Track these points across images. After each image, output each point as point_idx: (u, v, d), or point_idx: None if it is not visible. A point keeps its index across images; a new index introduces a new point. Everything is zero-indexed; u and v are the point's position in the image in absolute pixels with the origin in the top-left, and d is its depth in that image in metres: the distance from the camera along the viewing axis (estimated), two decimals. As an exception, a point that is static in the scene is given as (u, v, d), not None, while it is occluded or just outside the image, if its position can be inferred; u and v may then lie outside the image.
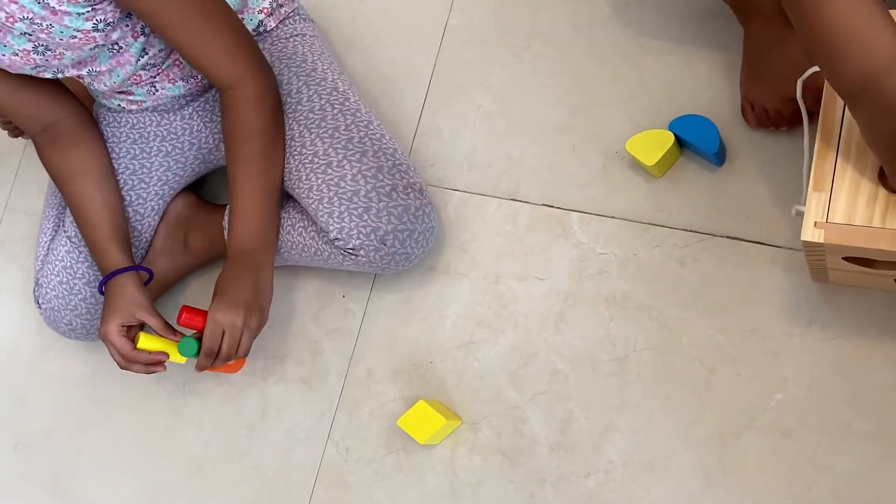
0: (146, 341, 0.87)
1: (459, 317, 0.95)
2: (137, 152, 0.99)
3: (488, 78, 0.99)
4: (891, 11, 0.56)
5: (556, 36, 0.96)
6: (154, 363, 0.89)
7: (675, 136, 0.84)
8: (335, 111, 0.92)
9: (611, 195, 0.90)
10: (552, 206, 0.93)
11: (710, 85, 0.86)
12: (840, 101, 0.62)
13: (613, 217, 0.89)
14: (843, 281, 0.75)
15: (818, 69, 0.58)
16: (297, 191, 0.92)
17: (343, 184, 0.87)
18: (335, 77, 0.96)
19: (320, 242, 0.91)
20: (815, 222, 0.61)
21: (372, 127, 0.92)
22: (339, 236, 0.87)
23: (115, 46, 0.86)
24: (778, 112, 0.79)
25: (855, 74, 0.53)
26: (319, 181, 0.89)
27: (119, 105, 0.97)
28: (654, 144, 0.84)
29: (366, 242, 0.87)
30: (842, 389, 0.76)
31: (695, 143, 0.82)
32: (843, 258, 0.65)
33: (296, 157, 0.91)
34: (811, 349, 0.78)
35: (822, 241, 0.61)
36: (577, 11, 0.95)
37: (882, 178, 0.59)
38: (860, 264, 0.66)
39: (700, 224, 0.85)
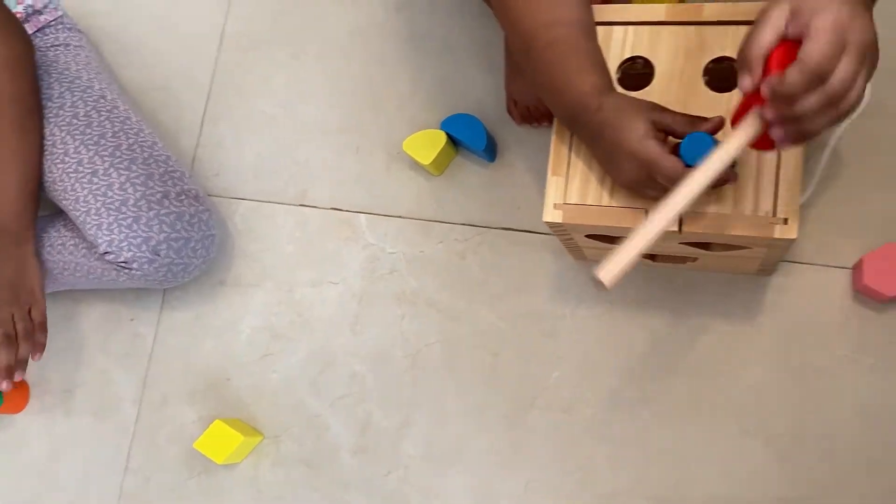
0: None
1: (254, 330, 0.95)
2: None
3: (269, 83, 1.00)
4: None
5: (334, 40, 0.99)
6: None
7: (448, 134, 0.88)
8: (101, 118, 0.89)
9: (396, 195, 0.93)
10: (340, 210, 0.95)
11: (480, 84, 0.92)
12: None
13: (399, 216, 0.93)
14: (598, 258, 0.83)
15: None
16: (63, 202, 0.88)
17: (111, 193, 0.85)
18: (102, 86, 0.93)
19: (92, 259, 0.88)
20: (554, 204, 0.67)
21: (143, 135, 0.90)
22: (110, 249, 0.84)
23: None
24: (538, 109, 0.86)
25: (564, 111, 0.65)
26: (85, 191, 0.85)
27: None
28: (428, 144, 0.88)
29: (138, 254, 0.84)
30: (609, 361, 0.83)
31: (464, 140, 0.88)
32: (586, 236, 0.71)
33: (59, 166, 0.87)
34: (581, 327, 0.85)
35: (560, 220, 0.67)
36: (352, 15, 0.98)
37: None
38: (604, 241, 0.73)
39: (477, 218, 0.90)
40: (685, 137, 0.59)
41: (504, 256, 0.88)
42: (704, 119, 0.61)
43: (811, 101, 0.49)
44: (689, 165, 0.58)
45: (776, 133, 0.52)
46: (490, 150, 0.89)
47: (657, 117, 0.61)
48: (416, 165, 0.93)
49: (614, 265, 0.51)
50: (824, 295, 0.78)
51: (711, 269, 0.80)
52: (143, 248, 0.84)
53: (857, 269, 0.77)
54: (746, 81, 0.51)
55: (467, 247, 0.90)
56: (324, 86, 0.98)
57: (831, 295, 0.78)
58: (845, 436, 0.76)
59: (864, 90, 0.50)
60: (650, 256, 0.79)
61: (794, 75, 0.48)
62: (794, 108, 0.50)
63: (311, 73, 0.99)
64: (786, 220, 0.61)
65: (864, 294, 0.77)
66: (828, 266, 0.79)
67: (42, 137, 0.88)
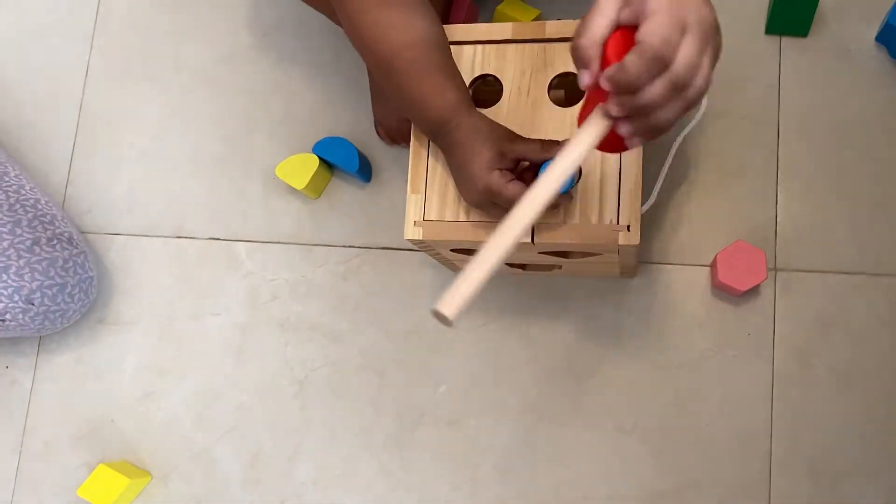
0: None
1: (136, 367, 0.93)
2: None
3: (138, 115, 0.99)
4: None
5: (202, 68, 0.98)
6: None
7: (320, 158, 0.89)
8: (-42, 165, 0.87)
9: (273, 221, 0.93)
10: (218, 239, 0.94)
11: (352, 106, 0.94)
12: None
13: (279, 242, 0.93)
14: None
15: None
16: (-79, 257, 0.84)
17: (-26, 244, 0.82)
18: (-42, 128, 0.91)
19: (-41, 311, 0.84)
20: (414, 221, 0.69)
21: (8, 178, 0.88)
22: (-22, 302, 0.82)
23: None
24: (402, 129, 0.88)
25: (426, 126, 0.67)
26: (-55, 243, 0.83)
27: None
28: (301, 168, 0.89)
29: (10, 305, 0.82)
30: (492, 372, 0.85)
31: (337, 163, 0.89)
32: (451, 250, 0.73)
33: None
34: (463, 339, 0.87)
35: (421, 238, 0.69)
36: (219, 42, 0.98)
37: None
38: (470, 254, 0.75)
39: (357, 239, 0.91)
40: (541, 168, 0.61)
41: (385, 275, 0.90)
42: (556, 143, 0.62)
43: (656, 89, 0.45)
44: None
45: (624, 129, 0.48)
46: (364, 172, 0.90)
47: (508, 147, 0.62)
48: (292, 190, 0.93)
49: (456, 297, 0.46)
50: (686, 292, 0.83)
51: (578, 274, 0.84)
52: (16, 297, 0.82)
53: (713, 266, 0.81)
54: (585, 77, 0.47)
55: (348, 268, 0.91)
56: (194, 115, 0.98)
57: (692, 292, 0.83)
58: (713, 426, 0.80)
59: (709, 76, 0.47)
60: (521, 266, 0.81)
61: (633, 61, 0.45)
62: (639, 99, 0.46)
63: (180, 104, 0.98)
64: (628, 227, 0.65)
65: (721, 290, 0.82)
66: (687, 265, 0.84)
67: None
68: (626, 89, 0.46)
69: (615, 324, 0.84)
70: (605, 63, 0.47)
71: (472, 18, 0.90)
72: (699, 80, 0.46)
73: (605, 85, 0.46)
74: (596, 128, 0.49)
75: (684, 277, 0.83)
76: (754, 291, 0.81)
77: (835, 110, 0.84)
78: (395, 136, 0.89)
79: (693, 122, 0.74)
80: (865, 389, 0.79)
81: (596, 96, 0.49)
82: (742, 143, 0.85)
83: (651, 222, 0.85)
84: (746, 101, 0.85)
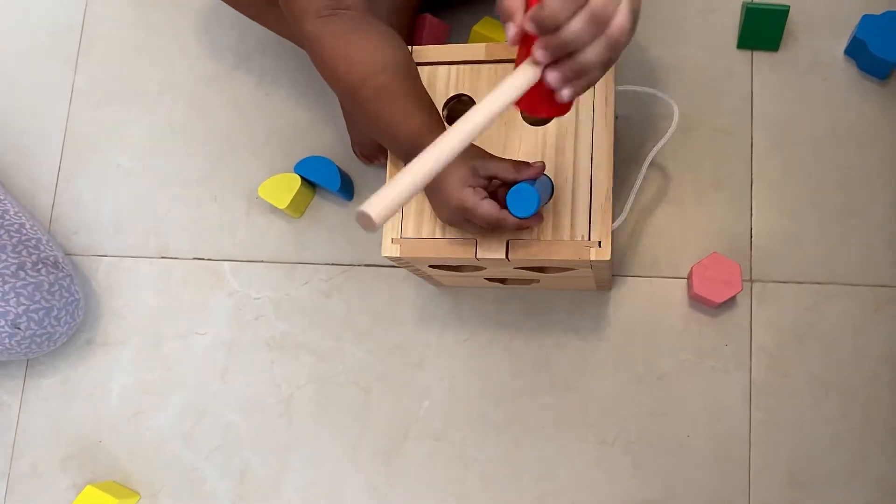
0: None
1: (124, 388, 0.95)
2: None
3: (123, 136, 1.01)
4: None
5: (185, 89, 1.01)
6: None
7: (302, 177, 0.92)
8: (-56, 191, 0.89)
9: (257, 240, 0.96)
10: (203, 259, 0.97)
11: (332, 126, 0.96)
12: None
13: (263, 261, 0.95)
14: (456, 284, 0.88)
15: None
16: None
17: (-41, 270, 0.85)
18: (-56, 154, 0.93)
19: (-55, 337, 0.87)
20: (392, 238, 0.72)
21: (-9, 203, 0.90)
22: (-36, 327, 0.84)
23: None
24: (376, 150, 0.90)
25: (398, 150, 0.69)
26: (-70, 270, 0.85)
27: None
28: (283, 188, 0.92)
29: None
30: (476, 386, 0.88)
31: (319, 182, 0.91)
32: (430, 266, 0.76)
33: None
34: (447, 354, 0.89)
35: (399, 255, 0.71)
36: (203, 64, 1.01)
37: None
38: (448, 269, 0.78)
39: (340, 257, 0.94)
40: (510, 190, 0.63)
41: (368, 292, 0.92)
42: (527, 164, 0.65)
43: (576, 23, 0.47)
44: (517, 216, 0.63)
45: (552, 77, 0.49)
46: (346, 190, 0.93)
47: (480, 165, 0.65)
48: (276, 210, 0.96)
49: (383, 199, 0.45)
50: (664, 304, 0.85)
51: (555, 288, 0.86)
52: (2, 322, 0.84)
53: (689, 278, 0.84)
54: (511, 30, 0.49)
55: (332, 286, 0.93)
56: (178, 136, 1.00)
57: (670, 304, 0.85)
58: (693, 435, 0.83)
59: (629, 14, 0.49)
60: (500, 280, 0.84)
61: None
62: (561, 37, 0.48)
63: (164, 124, 1.01)
64: (600, 243, 0.67)
65: (698, 301, 0.84)
66: (664, 277, 0.86)
67: None
68: (548, 27, 0.48)
69: (595, 336, 0.86)
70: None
71: (440, 36, 0.93)
72: (619, 19, 0.49)
73: (528, 27, 0.48)
74: (523, 73, 0.50)
75: (662, 290, 0.86)
76: (731, 303, 0.84)
77: (807, 122, 0.87)
78: (371, 155, 0.91)
79: (665, 138, 0.76)
80: (841, 397, 0.81)
81: (525, 53, 0.50)
82: (716, 155, 0.87)
83: (628, 235, 0.87)
84: (720, 114, 0.88)
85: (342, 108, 0.92)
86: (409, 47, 0.74)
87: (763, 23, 0.85)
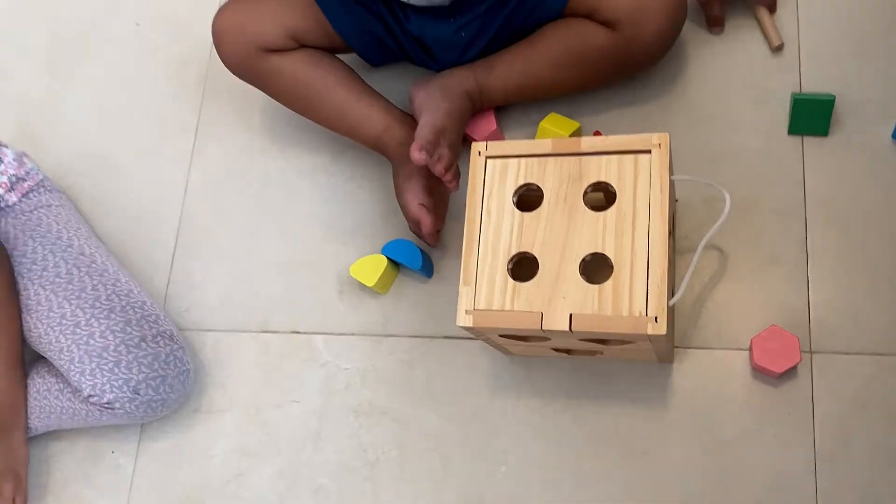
0: None
1: (226, 452, 1.07)
2: None
3: (231, 222, 1.17)
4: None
5: (286, 182, 1.17)
6: None
7: (388, 258, 1.05)
8: (81, 273, 1.06)
9: (348, 315, 1.08)
10: (299, 333, 1.10)
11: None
12: (477, 218, 0.85)
13: (352, 334, 1.08)
14: (526, 354, 0.97)
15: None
16: (48, 353, 1.03)
17: (92, 341, 1.00)
18: (81, 242, 1.11)
19: (77, 402, 1.02)
20: (465, 310, 0.82)
21: (119, 284, 1.06)
22: (93, 392, 0.98)
23: None
24: (419, 218, 1.02)
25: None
26: (69, 342, 1.00)
27: None
28: (372, 267, 1.05)
29: (119, 395, 0.99)
30: (549, 453, 0.96)
31: (403, 262, 1.04)
32: (500, 336, 0.86)
33: (43, 322, 1.03)
34: (521, 421, 0.98)
35: (472, 325, 0.82)
36: (301, 160, 1.17)
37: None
38: (519, 339, 0.87)
39: (421, 329, 1.05)
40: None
41: (447, 363, 1.03)
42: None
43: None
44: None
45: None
46: (427, 268, 1.05)
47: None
48: (364, 287, 1.08)
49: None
50: (726, 375, 0.92)
51: (619, 358, 0.94)
52: (125, 388, 0.99)
53: (750, 349, 0.91)
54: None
55: (414, 356, 1.04)
56: (279, 222, 1.15)
57: (732, 374, 0.92)
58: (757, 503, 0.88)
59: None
60: (566, 351, 0.93)
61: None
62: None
63: (267, 212, 1.16)
64: (656, 319, 0.76)
65: (759, 372, 0.91)
66: (726, 349, 0.93)
67: (20, 330, 1.04)
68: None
69: (661, 406, 0.93)
70: None
71: (489, 136, 1.06)
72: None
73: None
74: None
75: (724, 361, 0.93)
76: (792, 373, 0.90)
77: (859, 200, 0.94)
78: (418, 227, 1.04)
79: (717, 224, 0.85)
80: (908, 466, 0.85)
81: None
82: (772, 233, 0.95)
83: (689, 310, 0.95)
84: (774, 196, 0.96)
85: (400, 201, 1.04)
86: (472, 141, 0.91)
87: (811, 112, 0.94)
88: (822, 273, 0.93)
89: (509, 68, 1.00)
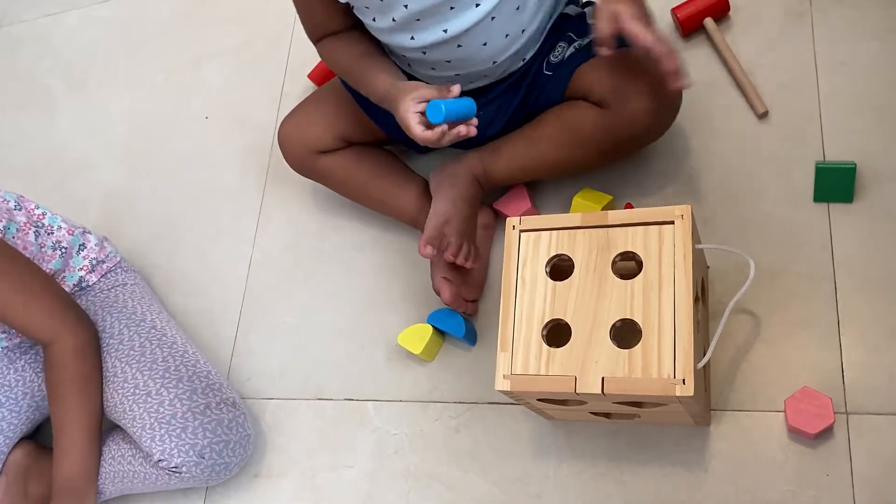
0: None
1: (284, 515, 1.14)
2: None
3: (288, 299, 1.26)
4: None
5: (340, 258, 1.26)
6: None
7: (433, 326, 1.11)
8: (153, 346, 1.16)
9: (396, 382, 1.15)
10: (352, 399, 1.16)
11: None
12: (512, 288, 0.91)
13: (401, 400, 1.14)
14: (566, 418, 1.01)
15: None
16: (122, 421, 1.12)
17: (162, 409, 1.09)
18: (154, 317, 1.21)
19: (148, 467, 1.10)
20: (504, 375, 0.88)
21: (187, 355, 1.16)
22: (163, 457, 1.07)
23: None
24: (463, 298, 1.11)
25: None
26: (141, 410, 1.09)
27: None
28: (418, 336, 1.11)
29: (186, 459, 1.07)
30: (591, 515, 0.99)
31: (448, 330, 1.10)
32: (538, 399, 0.91)
33: (119, 391, 1.12)
34: (564, 485, 1.01)
35: (510, 389, 0.87)
36: (354, 235, 1.26)
37: None
38: (556, 403, 0.92)
39: (466, 395, 1.10)
40: (428, 104, 0.91)
41: (492, 427, 1.07)
42: (448, 87, 0.94)
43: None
44: (431, 121, 0.91)
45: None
46: (470, 336, 1.11)
47: (417, 95, 0.93)
48: (411, 355, 1.15)
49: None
50: (763, 437, 0.94)
51: (656, 422, 0.98)
52: (191, 453, 1.06)
53: (785, 411, 0.93)
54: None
55: (460, 422, 1.09)
56: (333, 296, 1.24)
57: (769, 436, 0.94)
58: (805, 566, 0.89)
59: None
60: (605, 414, 0.97)
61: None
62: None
63: (321, 287, 1.25)
64: (684, 381, 0.80)
65: (795, 433, 0.93)
66: (762, 411, 0.96)
67: (101, 404, 1.13)
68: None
69: (700, 468, 0.96)
70: None
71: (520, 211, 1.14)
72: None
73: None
74: None
75: (760, 423, 0.95)
76: (829, 434, 0.92)
77: (887, 262, 0.97)
78: (463, 302, 1.13)
79: (743, 290, 0.88)
80: (952, 528, 0.85)
81: None
82: (802, 297, 0.98)
83: (725, 372, 0.98)
84: (802, 261, 1.00)
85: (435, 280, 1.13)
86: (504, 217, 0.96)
87: (834, 179, 0.98)
88: (854, 335, 0.95)
89: (513, 149, 1.09)
